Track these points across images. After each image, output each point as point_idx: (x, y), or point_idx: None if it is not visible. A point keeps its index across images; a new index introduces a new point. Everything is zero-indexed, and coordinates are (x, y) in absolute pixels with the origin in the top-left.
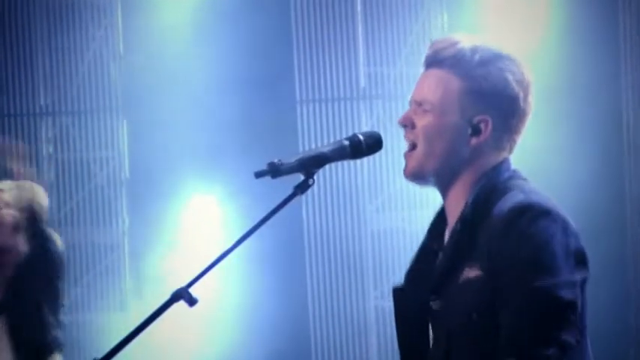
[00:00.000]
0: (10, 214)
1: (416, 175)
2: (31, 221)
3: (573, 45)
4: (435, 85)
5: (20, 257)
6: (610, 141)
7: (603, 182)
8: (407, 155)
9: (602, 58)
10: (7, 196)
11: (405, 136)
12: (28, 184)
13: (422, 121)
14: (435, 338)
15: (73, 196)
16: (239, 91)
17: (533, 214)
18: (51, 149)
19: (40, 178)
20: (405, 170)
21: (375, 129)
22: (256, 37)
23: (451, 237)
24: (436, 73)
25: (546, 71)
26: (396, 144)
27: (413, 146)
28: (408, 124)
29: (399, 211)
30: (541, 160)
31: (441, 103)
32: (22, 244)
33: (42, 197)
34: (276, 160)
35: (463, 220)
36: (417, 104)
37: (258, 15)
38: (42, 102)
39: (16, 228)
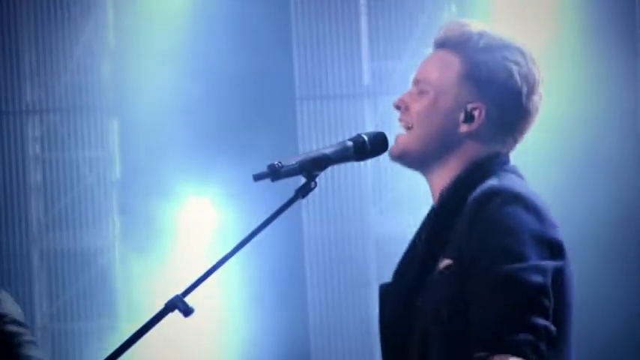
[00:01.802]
0: None
1: (399, 157)
2: None
3: (587, 36)
4: (436, 65)
5: None
6: (626, 138)
7: (622, 179)
8: (398, 136)
9: (617, 52)
10: None
11: (398, 118)
12: None
13: (416, 105)
14: (415, 338)
15: (61, 198)
16: (234, 87)
17: (502, 199)
18: (38, 149)
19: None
20: (390, 150)
21: (380, 128)
22: (253, 29)
23: (428, 228)
24: (440, 53)
25: (558, 64)
26: None
27: (407, 129)
28: (402, 107)
29: (404, 214)
30: (553, 160)
31: (439, 83)
32: None
33: None
34: (276, 163)
35: (439, 208)
36: (416, 83)
37: (255, 6)
38: (28, 99)
39: None
